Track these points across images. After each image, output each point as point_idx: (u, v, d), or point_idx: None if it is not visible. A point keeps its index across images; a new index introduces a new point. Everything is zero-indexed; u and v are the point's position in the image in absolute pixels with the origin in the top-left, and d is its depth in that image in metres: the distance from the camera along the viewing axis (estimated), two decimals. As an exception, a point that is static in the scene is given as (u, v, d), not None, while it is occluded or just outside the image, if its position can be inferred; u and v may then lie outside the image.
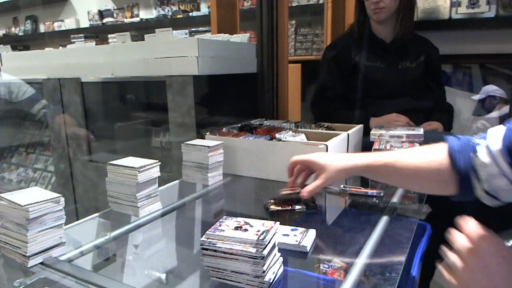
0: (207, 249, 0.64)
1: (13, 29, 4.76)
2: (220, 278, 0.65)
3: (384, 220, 0.89)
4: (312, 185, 0.94)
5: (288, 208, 0.99)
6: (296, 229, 0.83)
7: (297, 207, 0.99)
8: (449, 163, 0.76)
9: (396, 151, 0.89)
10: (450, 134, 1.54)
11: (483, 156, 0.71)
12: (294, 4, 2.71)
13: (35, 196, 0.73)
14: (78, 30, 4.05)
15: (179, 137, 1.41)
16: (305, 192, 0.94)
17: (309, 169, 1.00)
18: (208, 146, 1.16)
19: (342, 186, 1.12)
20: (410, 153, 0.85)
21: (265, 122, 1.59)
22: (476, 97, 2.07)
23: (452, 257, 0.57)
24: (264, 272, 0.62)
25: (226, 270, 0.64)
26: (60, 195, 0.75)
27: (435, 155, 0.79)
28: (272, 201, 1.02)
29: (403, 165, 0.83)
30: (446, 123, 1.67)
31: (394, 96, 1.69)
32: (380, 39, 1.71)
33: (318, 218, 0.98)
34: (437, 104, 1.74)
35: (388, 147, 1.24)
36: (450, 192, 0.78)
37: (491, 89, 2.05)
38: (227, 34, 1.83)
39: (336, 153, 0.97)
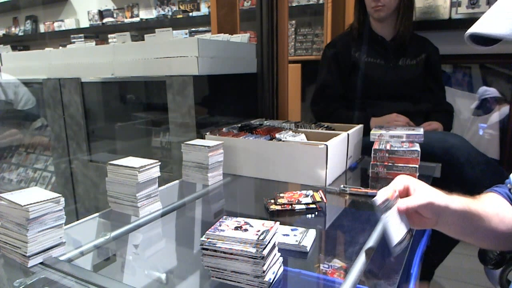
0: (207, 249, 0.64)
1: (13, 29, 4.76)
2: (220, 278, 0.65)
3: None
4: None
5: (288, 208, 0.99)
6: (296, 229, 0.83)
7: (297, 207, 0.99)
8: None
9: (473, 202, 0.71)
10: (450, 134, 1.54)
11: None
12: (294, 4, 2.71)
13: (35, 196, 0.73)
14: (78, 30, 4.05)
15: (179, 137, 1.41)
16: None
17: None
18: (208, 146, 1.16)
19: (342, 186, 1.12)
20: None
21: (265, 122, 1.59)
22: (473, 105, 2.07)
23: None
24: (264, 272, 0.62)
25: (226, 270, 0.64)
26: (60, 195, 0.75)
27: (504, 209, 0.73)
28: (272, 201, 1.03)
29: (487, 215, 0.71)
30: (446, 123, 1.67)
31: (394, 96, 1.69)
32: (380, 37, 1.71)
33: (318, 218, 0.97)
34: (437, 104, 1.74)
35: (388, 147, 1.24)
36: None
37: (482, 91, 2.05)
38: (227, 34, 1.83)
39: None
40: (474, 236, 0.72)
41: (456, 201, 0.68)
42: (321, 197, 1.01)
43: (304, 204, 1.00)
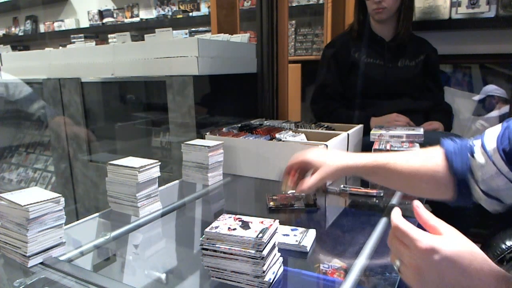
0: (207, 249, 0.64)
1: (13, 29, 4.76)
2: (220, 278, 0.65)
3: (384, 220, 0.89)
4: (310, 180, 0.88)
5: (287, 204, 0.99)
6: (296, 229, 0.83)
7: (296, 204, 0.99)
8: (445, 166, 0.75)
9: (394, 153, 0.85)
10: (450, 134, 1.55)
11: (479, 156, 0.71)
12: (294, 4, 2.71)
13: (35, 196, 0.73)
14: (78, 30, 4.05)
15: (179, 137, 1.41)
16: (304, 186, 0.88)
17: (304, 169, 0.94)
18: (208, 146, 1.16)
19: (342, 186, 1.12)
20: (407, 156, 0.83)
21: (265, 122, 1.59)
22: (476, 97, 2.07)
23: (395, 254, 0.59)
24: (264, 272, 0.62)
25: (226, 270, 0.64)
26: (60, 195, 0.75)
27: (431, 157, 0.78)
28: (273, 197, 1.03)
29: (400, 167, 0.81)
30: (445, 123, 1.67)
31: (394, 96, 1.69)
32: (379, 37, 1.72)
33: (318, 218, 0.98)
34: (437, 104, 1.74)
35: (388, 147, 1.24)
36: (448, 196, 0.77)
37: (491, 88, 2.05)
38: (227, 34, 1.83)
39: (333, 150, 0.91)
40: (395, 185, 0.89)
41: (358, 159, 0.87)
42: (314, 200, 1.02)
43: (304, 203, 1.00)
